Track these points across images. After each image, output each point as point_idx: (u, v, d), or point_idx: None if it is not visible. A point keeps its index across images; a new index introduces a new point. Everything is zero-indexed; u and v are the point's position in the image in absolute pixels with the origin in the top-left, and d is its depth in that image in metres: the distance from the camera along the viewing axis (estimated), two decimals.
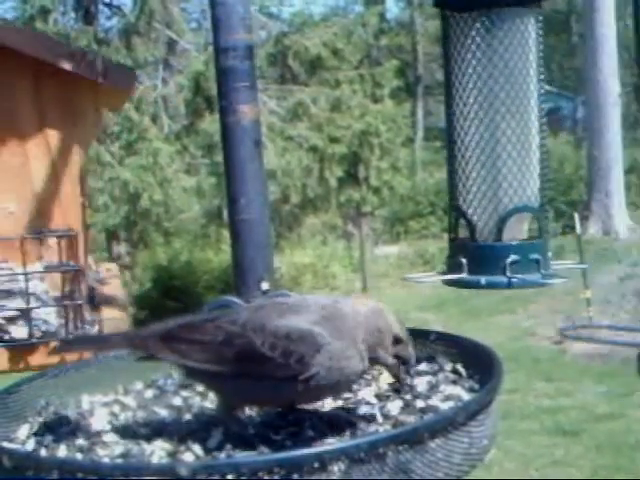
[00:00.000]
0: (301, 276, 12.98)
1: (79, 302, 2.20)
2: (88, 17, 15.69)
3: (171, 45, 15.57)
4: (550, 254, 1.66)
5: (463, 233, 1.67)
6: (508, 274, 1.60)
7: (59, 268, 2.21)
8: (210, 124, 13.87)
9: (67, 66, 2.20)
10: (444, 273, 1.67)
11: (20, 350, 2.15)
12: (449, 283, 1.66)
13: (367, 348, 1.11)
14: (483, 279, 1.61)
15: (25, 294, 2.15)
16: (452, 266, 1.66)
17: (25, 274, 2.16)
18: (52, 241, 2.22)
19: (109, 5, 16.33)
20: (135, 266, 14.04)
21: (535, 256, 1.62)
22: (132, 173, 14.14)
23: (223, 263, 12.28)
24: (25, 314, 2.15)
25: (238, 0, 1.40)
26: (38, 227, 2.25)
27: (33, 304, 2.16)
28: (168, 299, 11.78)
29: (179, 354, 1.12)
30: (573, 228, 8.53)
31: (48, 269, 2.22)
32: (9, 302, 2.15)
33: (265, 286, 1.37)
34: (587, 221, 14.21)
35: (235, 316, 1.11)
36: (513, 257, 1.60)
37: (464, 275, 1.63)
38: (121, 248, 14.87)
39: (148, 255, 14.17)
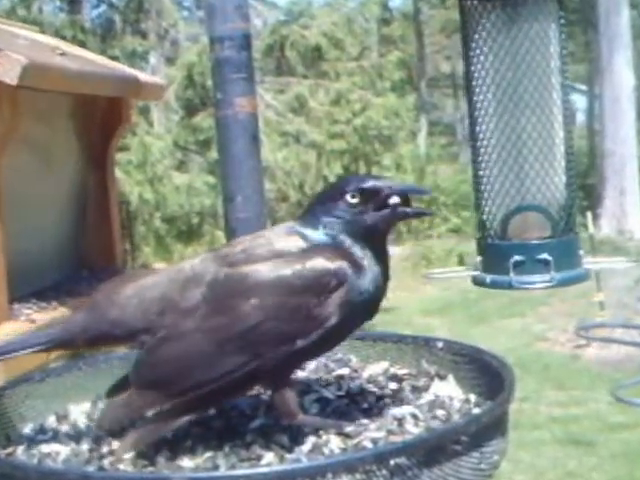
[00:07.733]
0: None
1: None
2: (74, 5, 15.68)
3: (162, 35, 15.56)
4: (582, 252, 1.67)
5: (488, 232, 1.68)
6: (545, 273, 1.61)
7: None
8: (204, 118, 13.87)
9: None
10: (476, 270, 1.69)
11: None
12: (477, 282, 1.67)
13: None
14: (514, 279, 1.62)
15: None
16: (480, 265, 1.67)
17: None
18: None
19: None
20: (125, 266, 14.02)
21: (569, 253, 1.63)
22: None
23: None
24: None
25: None
26: None
27: None
28: None
29: None
30: (585, 227, 8.52)
31: None
32: None
33: None
34: (600, 220, 14.20)
35: None
36: (544, 255, 1.61)
37: (493, 275, 1.64)
38: None
39: (138, 255, 14.13)
